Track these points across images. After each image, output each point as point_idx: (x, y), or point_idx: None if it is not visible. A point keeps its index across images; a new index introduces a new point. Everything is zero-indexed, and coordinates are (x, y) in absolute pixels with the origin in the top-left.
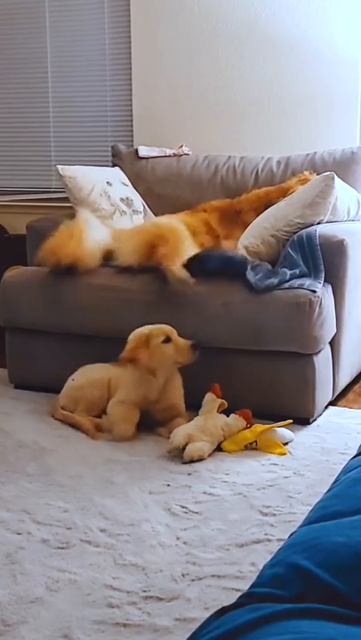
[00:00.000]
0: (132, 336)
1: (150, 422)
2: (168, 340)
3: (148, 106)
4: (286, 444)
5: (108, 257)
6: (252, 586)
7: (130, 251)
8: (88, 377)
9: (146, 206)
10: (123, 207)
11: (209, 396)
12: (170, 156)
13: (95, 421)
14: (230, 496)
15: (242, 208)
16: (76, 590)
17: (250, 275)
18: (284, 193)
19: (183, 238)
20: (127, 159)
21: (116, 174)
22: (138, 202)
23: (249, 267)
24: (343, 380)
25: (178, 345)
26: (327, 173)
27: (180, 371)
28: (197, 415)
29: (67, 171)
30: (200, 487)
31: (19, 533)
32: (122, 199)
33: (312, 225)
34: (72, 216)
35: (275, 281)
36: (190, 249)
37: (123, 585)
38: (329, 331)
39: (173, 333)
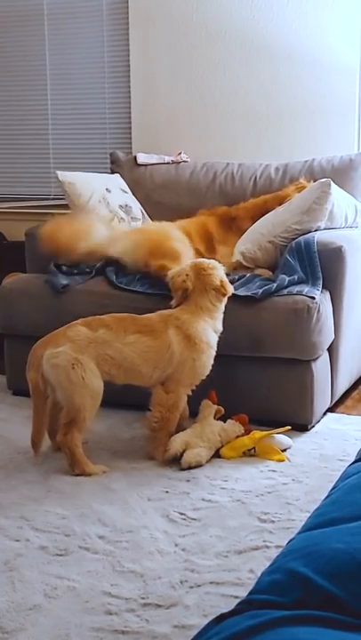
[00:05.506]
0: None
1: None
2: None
3: (146, 113)
4: (285, 450)
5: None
6: (251, 592)
7: (131, 258)
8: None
9: (145, 213)
10: (121, 214)
11: (205, 403)
12: (168, 163)
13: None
14: (229, 503)
15: (238, 214)
16: (75, 597)
17: (241, 292)
18: (281, 201)
19: (181, 252)
20: (126, 166)
21: (116, 181)
22: (136, 209)
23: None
24: (341, 387)
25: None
26: (323, 180)
27: None
28: (194, 422)
29: (66, 177)
30: (199, 494)
31: (17, 540)
32: (120, 206)
33: (309, 231)
34: None
35: (272, 286)
36: (188, 254)
37: (121, 592)
38: (327, 337)
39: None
